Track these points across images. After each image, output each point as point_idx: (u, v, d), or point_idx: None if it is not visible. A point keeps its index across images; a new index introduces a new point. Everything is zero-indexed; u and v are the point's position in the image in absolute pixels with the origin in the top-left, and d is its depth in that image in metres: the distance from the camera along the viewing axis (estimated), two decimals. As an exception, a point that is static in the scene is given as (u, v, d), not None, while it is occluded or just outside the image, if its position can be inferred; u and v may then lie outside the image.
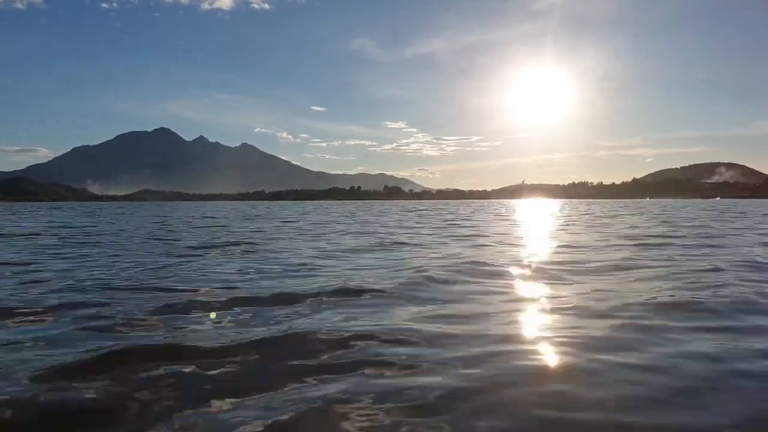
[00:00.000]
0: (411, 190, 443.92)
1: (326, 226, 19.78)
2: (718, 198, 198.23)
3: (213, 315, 4.40)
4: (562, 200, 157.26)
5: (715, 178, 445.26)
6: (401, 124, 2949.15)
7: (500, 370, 3.07)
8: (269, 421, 2.39)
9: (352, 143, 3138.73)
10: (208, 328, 4.01)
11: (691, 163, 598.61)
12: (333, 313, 4.54)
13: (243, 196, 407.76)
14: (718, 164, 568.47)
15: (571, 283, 6.20)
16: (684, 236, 13.45)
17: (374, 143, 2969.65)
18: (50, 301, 5.00)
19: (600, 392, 2.74)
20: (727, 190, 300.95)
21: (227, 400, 2.64)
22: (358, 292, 5.42)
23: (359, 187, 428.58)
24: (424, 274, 6.58)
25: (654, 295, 5.17)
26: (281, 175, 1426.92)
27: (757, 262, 7.94)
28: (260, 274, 6.93)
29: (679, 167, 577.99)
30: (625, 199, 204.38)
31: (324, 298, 5.12)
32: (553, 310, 4.63)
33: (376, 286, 5.70)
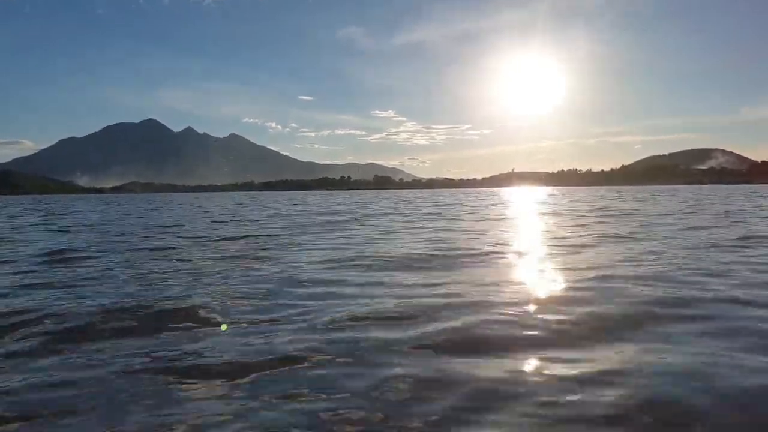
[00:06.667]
0: (401, 179, 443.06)
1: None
2: (701, 185, 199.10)
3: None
4: (552, 188, 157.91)
5: (710, 163, 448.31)
6: (391, 113, 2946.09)
7: None
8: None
9: (342, 133, 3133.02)
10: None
11: (680, 150, 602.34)
12: None
13: (233, 187, 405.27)
14: (710, 150, 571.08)
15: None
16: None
17: (364, 132, 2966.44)
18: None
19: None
20: (715, 175, 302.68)
21: None
22: None
23: (349, 177, 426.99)
24: None
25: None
26: (271, 166, 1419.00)
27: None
28: None
29: (667, 154, 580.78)
30: (616, 186, 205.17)
31: None
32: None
33: None
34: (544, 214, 19.77)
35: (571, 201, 34.22)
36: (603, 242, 9.63)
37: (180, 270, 6.97)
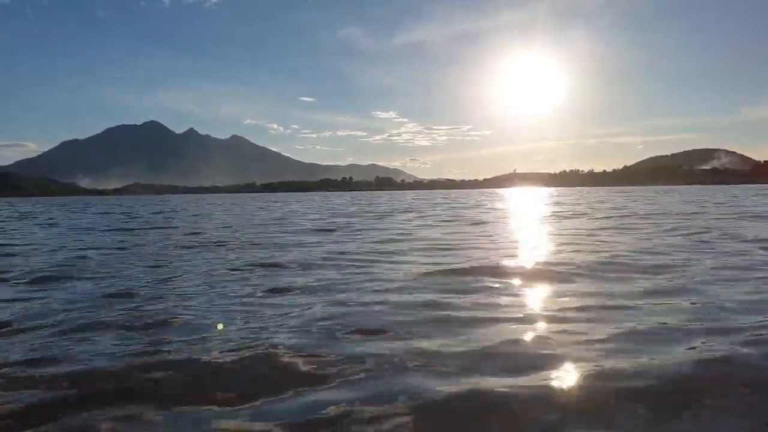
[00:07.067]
0: (403, 180, 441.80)
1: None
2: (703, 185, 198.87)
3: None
4: (555, 188, 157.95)
5: (714, 163, 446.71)
6: (392, 114, 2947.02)
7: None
8: None
9: (343, 134, 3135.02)
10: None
11: (682, 150, 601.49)
12: None
13: (235, 188, 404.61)
14: (713, 150, 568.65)
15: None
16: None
17: (365, 134, 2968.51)
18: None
19: None
20: (718, 176, 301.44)
21: None
22: None
23: (351, 178, 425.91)
24: None
25: None
26: (272, 167, 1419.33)
27: None
28: None
29: (670, 154, 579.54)
30: (619, 186, 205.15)
31: None
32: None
33: None
34: (598, 218, 18.20)
35: (595, 201, 33.77)
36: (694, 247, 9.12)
37: (227, 300, 5.57)
